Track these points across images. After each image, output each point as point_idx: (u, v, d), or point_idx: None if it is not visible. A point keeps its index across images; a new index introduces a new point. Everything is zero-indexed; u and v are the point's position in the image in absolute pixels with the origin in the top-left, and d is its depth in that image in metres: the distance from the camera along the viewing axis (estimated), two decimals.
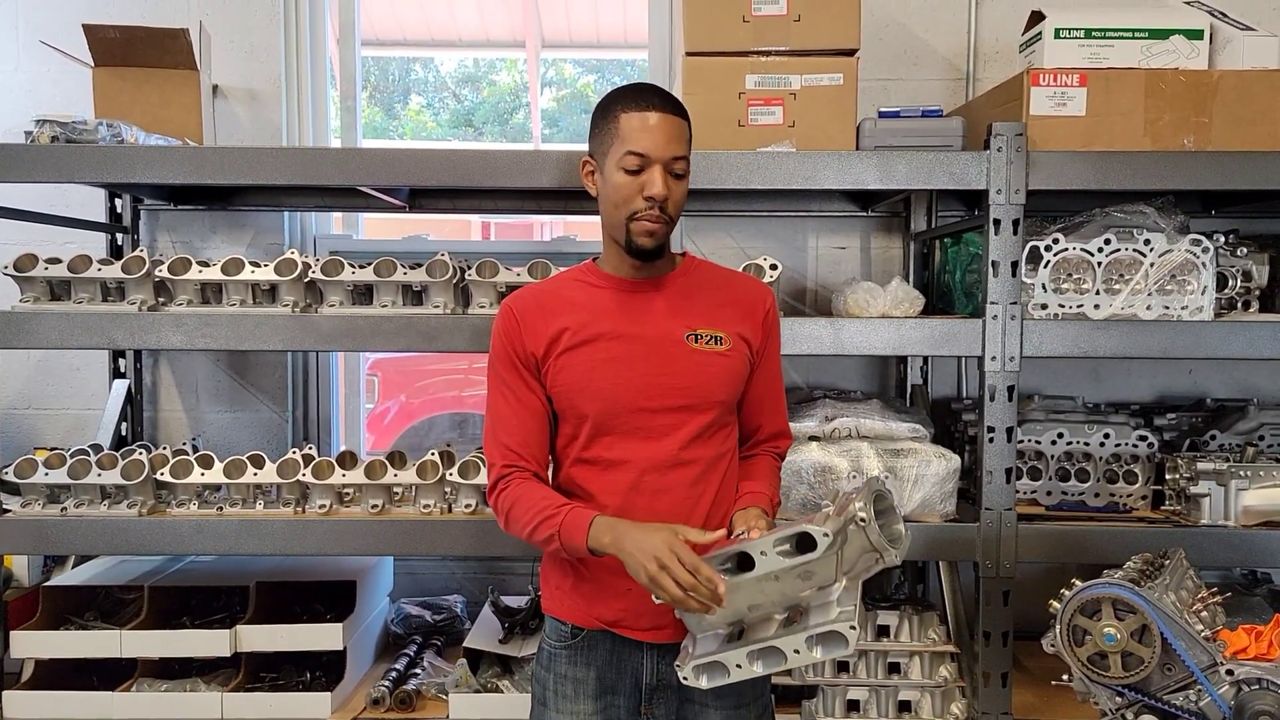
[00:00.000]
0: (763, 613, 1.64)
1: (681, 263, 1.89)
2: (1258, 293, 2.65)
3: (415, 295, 2.55)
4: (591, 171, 1.83)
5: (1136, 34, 2.51)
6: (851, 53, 2.58)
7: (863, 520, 1.53)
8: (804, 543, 1.54)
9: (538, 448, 1.84)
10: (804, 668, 2.58)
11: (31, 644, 2.62)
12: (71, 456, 2.58)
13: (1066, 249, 2.44)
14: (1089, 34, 2.51)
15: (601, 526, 1.68)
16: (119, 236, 3.16)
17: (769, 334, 1.90)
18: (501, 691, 2.63)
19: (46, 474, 2.55)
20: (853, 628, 1.55)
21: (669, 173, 1.74)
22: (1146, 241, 2.43)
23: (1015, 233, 2.39)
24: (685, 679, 1.67)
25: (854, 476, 2.45)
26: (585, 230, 3.76)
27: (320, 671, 2.74)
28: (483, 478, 2.53)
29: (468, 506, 2.55)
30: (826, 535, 1.51)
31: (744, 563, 1.60)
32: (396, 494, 2.63)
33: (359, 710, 2.62)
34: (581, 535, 1.68)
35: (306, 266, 2.52)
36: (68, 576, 2.85)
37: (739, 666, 1.63)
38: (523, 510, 1.76)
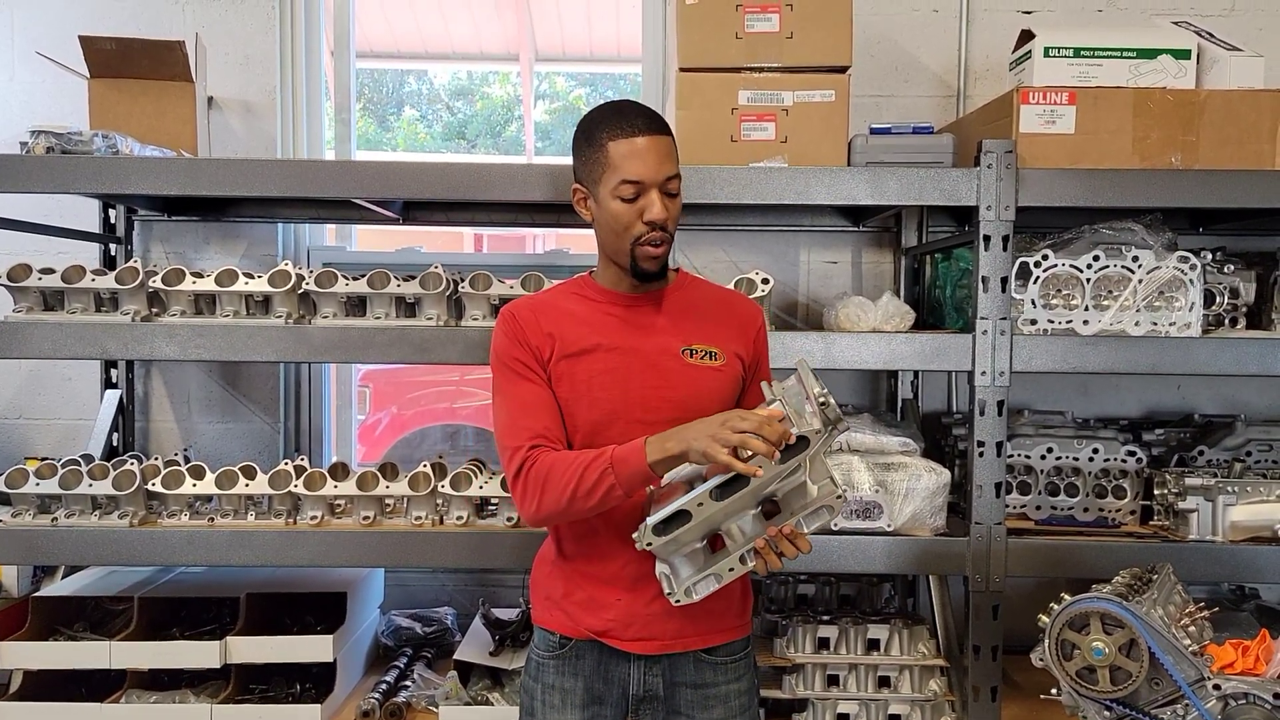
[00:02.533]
0: (737, 517, 1.66)
1: (675, 278, 1.91)
2: (1244, 310, 2.67)
3: (408, 307, 2.56)
4: (584, 199, 1.83)
5: (1125, 53, 2.54)
6: (843, 69, 2.60)
7: (824, 401, 1.59)
8: (799, 445, 1.59)
9: (558, 438, 1.80)
10: (794, 683, 2.59)
11: (20, 655, 2.61)
12: (63, 467, 2.57)
13: (1056, 265, 2.46)
14: (1078, 53, 2.54)
15: (655, 440, 1.66)
16: (113, 247, 3.16)
17: (760, 351, 1.93)
18: (491, 704, 2.63)
19: (37, 484, 2.54)
20: (840, 496, 1.60)
21: (664, 192, 1.75)
22: (1135, 258, 2.45)
23: (1005, 249, 2.41)
24: (677, 601, 1.68)
25: (844, 490, 2.46)
26: (578, 243, 3.77)
27: (310, 683, 2.73)
28: (474, 489, 2.53)
29: (459, 518, 2.55)
30: (819, 432, 1.58)
31: (733, 482, 1.63)
32: (388, 505, 2.63)
33: None
34: (639, 456, 1.65)
35: (300, 278, 2.52)
36: (57, 587, 2.84)
37: (731, 570, 1.66)
38: (564, 468, 1.71)
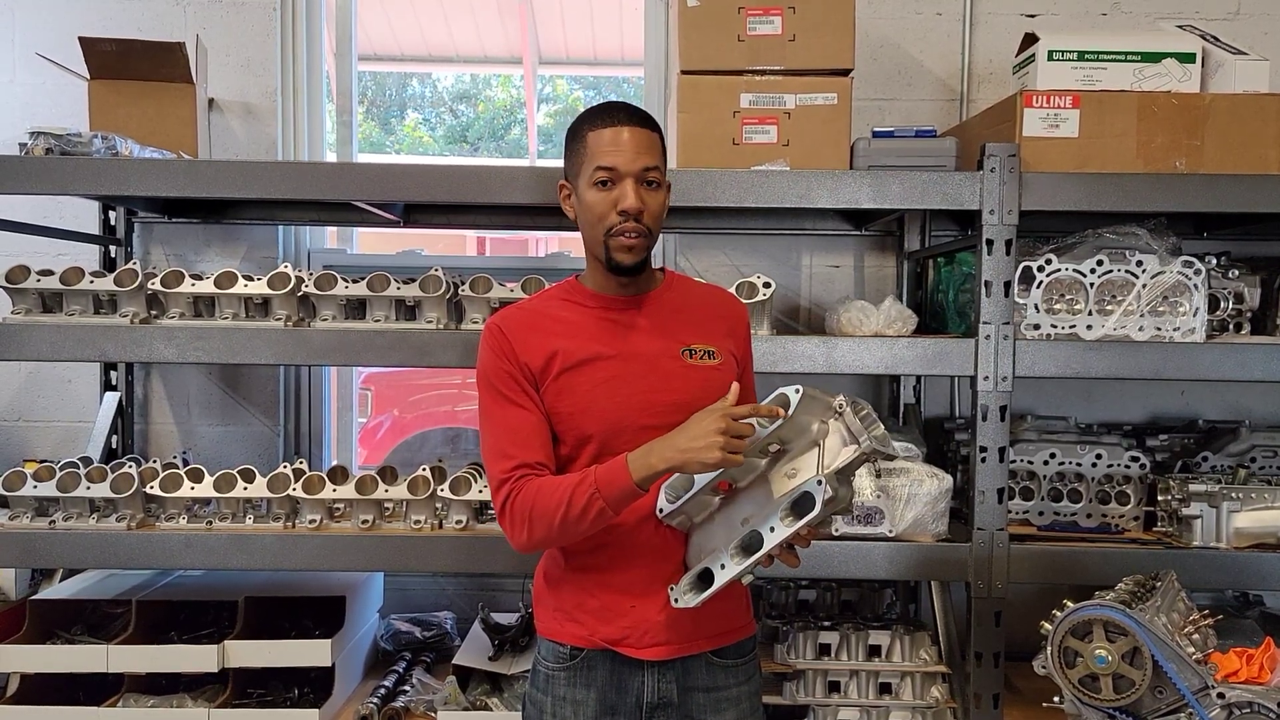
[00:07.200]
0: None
1: (664, 279, 1.90)
2: (1249, 315, 2.66)
3: (408, 310, 2.55)
4: (568, 195, 1.83)
5: (1129, 57, 2.53)
6: (846, 73, 2.59)
7: (840, 409, 1.64)
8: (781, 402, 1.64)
9: (546, 464, 1.78)
10: (795, 689, 2.57)
11: (18, 658, 2.60)
12: (61, 469, 2.57)
13: (1059, 270, 2.44)
14: (1082, 56, 2.53)
15: (637, 457, 1.66)
16: (112, 249, 3.15)
17: (747, 347, 1.94)
18: (490, 709, 2.61)
19: (35, 486, 2.53)
20: (819, 482, 1.59)
21: (642, 183, 1.74)
22: (1139, 263, 2.44)
23: (1008, 253, 2.40)
24: (676, 602, 1.71)
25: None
26: (579, 246, 3.76)
27: (308, 688, 2.72)
28: (473, 493, 2.52)
29: (458, 522, 2.54)
30: (798, 390, 1.61)
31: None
32: (387, 509, 2.62)
33: None
34: (624, 474, 1.65)
35: (299, 280, 2.51)
36: (55, 590, 2.83)
37: (723, 567, 1.67)
38: (549, 494, 1.69)
